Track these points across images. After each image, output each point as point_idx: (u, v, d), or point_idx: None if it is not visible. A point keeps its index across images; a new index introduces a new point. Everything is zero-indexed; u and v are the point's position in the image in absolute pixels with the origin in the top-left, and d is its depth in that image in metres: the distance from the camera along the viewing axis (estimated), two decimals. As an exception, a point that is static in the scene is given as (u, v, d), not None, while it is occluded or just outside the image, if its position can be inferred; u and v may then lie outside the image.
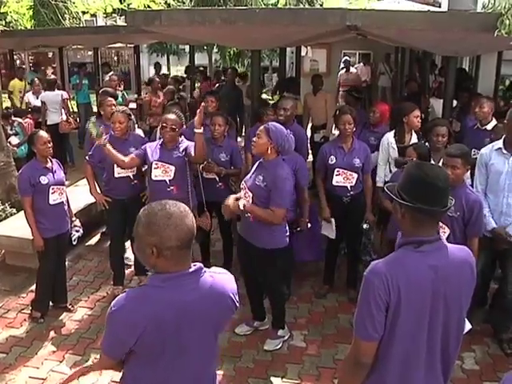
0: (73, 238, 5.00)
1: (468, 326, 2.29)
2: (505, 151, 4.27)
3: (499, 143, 4.35)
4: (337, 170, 5.05)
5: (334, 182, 5.08)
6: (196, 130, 4.48)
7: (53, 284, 4.93)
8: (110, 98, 5.97)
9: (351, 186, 5.04)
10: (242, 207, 4.04)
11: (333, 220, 5.08)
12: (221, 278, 2.17)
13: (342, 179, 5.05)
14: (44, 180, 4.59)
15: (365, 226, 5.10)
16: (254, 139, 4.12)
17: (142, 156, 4.89)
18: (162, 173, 4.77)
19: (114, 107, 5.71)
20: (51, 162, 4.71)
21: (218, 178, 5.34)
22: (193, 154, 4.65)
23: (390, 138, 5.44)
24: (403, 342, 2.15)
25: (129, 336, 2.01)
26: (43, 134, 4.68)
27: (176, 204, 2.06)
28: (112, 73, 12.49)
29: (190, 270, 2.07)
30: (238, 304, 2.22)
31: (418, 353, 2.18)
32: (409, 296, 2.09)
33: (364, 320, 2.14)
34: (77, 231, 4.99)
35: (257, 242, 4.19)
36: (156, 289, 2.04)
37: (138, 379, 2.15)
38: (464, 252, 2.26)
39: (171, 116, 4.78)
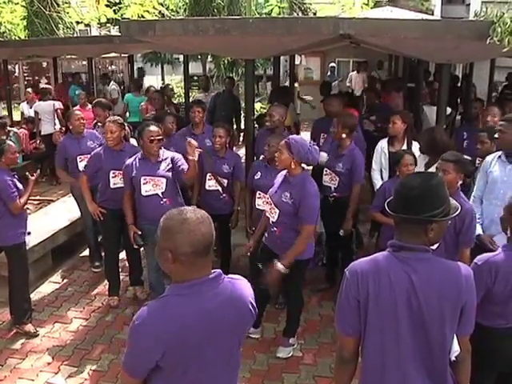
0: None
1: (456, 348, 2.24)
2: (504, 159, 4.22)
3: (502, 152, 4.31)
4: (325, 169, 5.23)
5: (323, 181, 5.21)
6: (189, 157, 4.50)
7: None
8: (77, 112, 6.09)
9: (334, 188, 5.15)
10: (283, 270, 4.03)
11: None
12: (239, 284, 2.16)
13: (328, 179, 5.21)
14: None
15: (341, 232, 5.10)
16: (276, 154, 4.14)
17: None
18: (152, 187, 4.66)
19: (82, 120, 5.95)
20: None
21: (221, 190, 5.33)
22: (185, 171, 4.63)
23: (383, 143, 5.50)
24: (375, 340, 2.21)
25: (155, 349, 1.94)
26: (11, 144, 4.67)
27: (194, 210, 2.05)
28: (112, 83, 12.43)
29: (210, 276, 2.05)
30: (255, 311, 2.18)
31: (392, 354, 2.19)
32: (376, 294, 2.17)
33: (339, 314, 2.30)
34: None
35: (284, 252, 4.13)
36: (178, 297, 2.00)
37: None
38: (454, 270, 2.21)
39: (154, 128, 4.69)
